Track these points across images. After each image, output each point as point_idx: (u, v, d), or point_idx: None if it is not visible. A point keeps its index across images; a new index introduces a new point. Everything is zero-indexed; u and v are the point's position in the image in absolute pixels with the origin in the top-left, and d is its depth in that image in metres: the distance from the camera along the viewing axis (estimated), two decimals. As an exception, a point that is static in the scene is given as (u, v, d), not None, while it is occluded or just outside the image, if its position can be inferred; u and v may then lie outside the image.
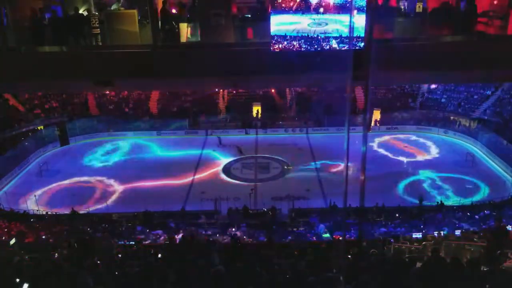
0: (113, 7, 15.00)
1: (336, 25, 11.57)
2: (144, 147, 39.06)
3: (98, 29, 13.74)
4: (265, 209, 25.94)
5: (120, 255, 13.40)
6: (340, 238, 18.15)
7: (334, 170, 32.16)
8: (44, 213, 25.57)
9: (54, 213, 25.51)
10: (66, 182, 32.16)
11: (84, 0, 15.20)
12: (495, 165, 33.14)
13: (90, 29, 13.66)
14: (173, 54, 13.24)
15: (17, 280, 8.18)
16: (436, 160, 34.92)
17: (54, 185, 31.68)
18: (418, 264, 9.89)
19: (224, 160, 36.10)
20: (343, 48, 11.43)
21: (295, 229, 22.99)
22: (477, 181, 30.13)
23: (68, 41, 13.77)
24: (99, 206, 27.48)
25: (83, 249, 12.23)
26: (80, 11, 14.49)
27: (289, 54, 11.90)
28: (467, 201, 26.06)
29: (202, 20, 13.13)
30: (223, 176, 33.07)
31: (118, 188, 30.73)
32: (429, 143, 39.16)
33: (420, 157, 36.00)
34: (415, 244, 15.12)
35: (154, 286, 8.00)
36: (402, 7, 16.89)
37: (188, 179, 32.09)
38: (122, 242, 18.53)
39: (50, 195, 29.74)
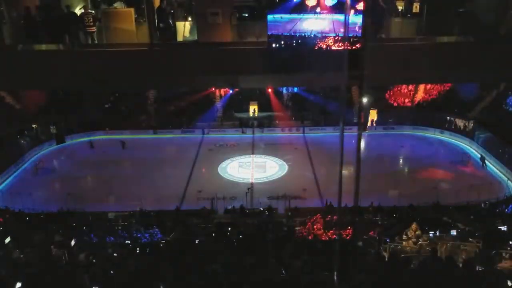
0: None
1: (333, 24, 11.59)
2: (140, 146, 38.93)
3: (93, 28, 13.68)
4: (262, 208, 25.97)
5: (116, 254, 13.40)
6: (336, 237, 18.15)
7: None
8: (39, 211, 25.43)
9: (49, 211, 25.39)
10: (62, 180, 32.08)
11: (80, -2, 15.15)
12: (490, 165, 33.21)
13: (84, 27, 13.61)
14: (169, 52, 13.23)
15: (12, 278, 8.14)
16: (432, 160, 34.96)
17: (49, 183, 31.61)
18: (414, 264, 9.93)
19: (221, 159, 36.06)
20: (339, 48, 11.45)
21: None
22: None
23: (63, 39, 13.71)
24: (95, 205, 27.34)
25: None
26: (77, 9, 14.44)
27: (285, 54, 11.91)
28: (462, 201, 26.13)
29: (199, 19, 13.12)
30: (220, 175, 33.04)
31: (114, 186, 30.64)
32: (425, 143, 39.23)
33: (416, 157, 36.07)
34: (410, 242, 15.16)
35: (150, 285, 7.99)
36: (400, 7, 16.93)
37: (184, 178, 32.02)
38: (118, 241, 18.49)
39: (45, 193, 29.61)
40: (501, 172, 31.74)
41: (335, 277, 4.93)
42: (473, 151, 36.06)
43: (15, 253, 12.49)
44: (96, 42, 13.83)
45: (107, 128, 41.51)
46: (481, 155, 34.22)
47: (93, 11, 14.02)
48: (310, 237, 19.66)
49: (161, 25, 13.34)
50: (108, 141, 39.97)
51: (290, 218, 24.95)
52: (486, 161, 33.43)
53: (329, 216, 21.77)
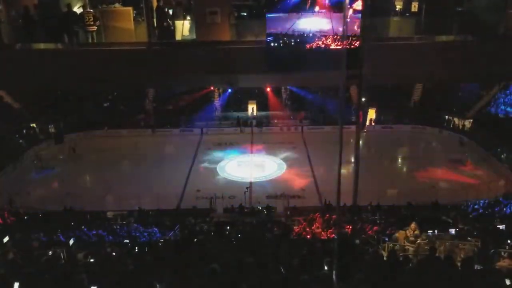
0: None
1: (331, 23, 11.58)
2: (138, 145, 38.87)
3: (94, 27, 13.62)
4: (260, 208, 26.00)
5: (114, 253, 13.39)
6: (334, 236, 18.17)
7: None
8: (38, 211, 25.43)
9: (48, 210, 25.38)
10: (61, 179, 32.07)
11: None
12: (488, 164, 33.22)
13: (84, 26, 13.57)
14: (168, 52, 13.22)
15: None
16: (430, 159, 35.00)
17: (48, 182, 31.60)
18: (412, 263, 9.93)
19: (219, 158, 36.08)
20: (337, 47, 11.45)
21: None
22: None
23: (62, 38, 13.68)
24: (93, 204, 27.34)
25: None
26: (75, 8, 14.40)
27: (283, 53, 11.91)
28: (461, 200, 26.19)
29: (198, 18, 13.10)
30: (218, 174, 33.05)
31: (112, 185, 30.62)
32: (423, 142, 39.28)
33: (415, 156, 36.12)
34: (409, 241, 15.17)
35: (149, 284, 7.98)
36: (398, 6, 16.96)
37: (183, 177, 32.03)
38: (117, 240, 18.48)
39: (43, 193, 29.59)
40: (499, 171, 31.76)
41: (334, 276, 4.94)
42: (472, 150, 36.06)
43: (13, 252, 12.47)
44: (95, 41, 13.78)
45: (106, 128, 41.44)
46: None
47: (91, 10, 13.99)
48: (308, 236, 19.67)
49: (164, 24, 13.32)
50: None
51: (289, 217, 24.99)
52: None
53: (328, 215, 21.80)
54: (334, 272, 5.05)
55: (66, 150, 36.77)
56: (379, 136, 39.85)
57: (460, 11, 14.09)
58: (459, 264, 8.43)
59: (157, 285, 7.85)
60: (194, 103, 44.31)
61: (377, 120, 42.57)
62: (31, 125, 38.62)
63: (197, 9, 13.13)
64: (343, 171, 5.48)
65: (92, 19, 13.48)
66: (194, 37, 13.44)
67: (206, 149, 38.31)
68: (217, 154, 37.01)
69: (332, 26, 11.65)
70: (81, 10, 14.54)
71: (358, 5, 10.51)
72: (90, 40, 13.81)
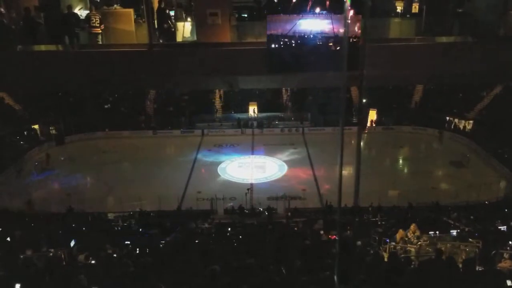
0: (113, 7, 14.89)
1: (332, 24, 11.59)
2: (139, 147, 38.93)
3: (98, 29, 13.58)
4: (261, 209, 25.97)
5: (115, 255, 13.39)
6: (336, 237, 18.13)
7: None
8: (38, 212, 25.44)
9: (49, 212, 25.38)
10: (61, 181, 32.07)
11: (79, -1, 15.11)
12: (489, 166, 33.20)
13: (90, 28, 13.53)
14: (169, 53, 13.23)
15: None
16: (431, 160, 34.99)
17: (48, 184, 31.59)
18: (414, 264, 9.93)
19: (220, 159, 36.08)
20: (338, 48, 11.46)
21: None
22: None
23: (63, 40, 13.67)
24: (94, 206, 27.34)
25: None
26: (76, 10, 14.40)
27: (284, 54, 11.92)
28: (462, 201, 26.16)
29: (199, 20, 13.12)
30: (219, 176, 33.05)
31: (113, 187, 30.63)
32: (424, 143, 39.26)
33: (416, 157, 36.09)
34: (409, 243, 15.14)
35: (150, 285, 7.98)
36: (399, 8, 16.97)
37: (184, 179, 32.03)
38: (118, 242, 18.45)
39: (44, 194, 29.58)
40: (500, 172, 31.73)
41: (335, 277, 4.93)
42: (473, 151, 36.03)
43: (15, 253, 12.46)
44: (100, 43, 13.74)
45: (107, 129, 41.48)
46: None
47: (96, 12, 13.96)
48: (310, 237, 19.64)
49: (165, 26, 13.33)
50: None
51: (289, 219, 24.96)
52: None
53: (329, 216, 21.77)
54: (335, 273, 5.04)
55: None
56: (380, 137, 39.84)
57: (461, 12, 14.08)
58: (460, 265, 8.41)
59: (158, 287, 7.85)
60: (195, 104, 44.37)
61: (378, 121, 42.58)
62: (32, 126, 38.64)
63: (198, 10, 13.14)
64: (344, 172, 5.47)
65: (98, 21, 13.46)
66: (195, 38, 13.46)
67: (207, 150, 38.33)
68: (218, 156, 37.01)
69: (333, 28, 11.66)
70: (81, 11, 14.54)
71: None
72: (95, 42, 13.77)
